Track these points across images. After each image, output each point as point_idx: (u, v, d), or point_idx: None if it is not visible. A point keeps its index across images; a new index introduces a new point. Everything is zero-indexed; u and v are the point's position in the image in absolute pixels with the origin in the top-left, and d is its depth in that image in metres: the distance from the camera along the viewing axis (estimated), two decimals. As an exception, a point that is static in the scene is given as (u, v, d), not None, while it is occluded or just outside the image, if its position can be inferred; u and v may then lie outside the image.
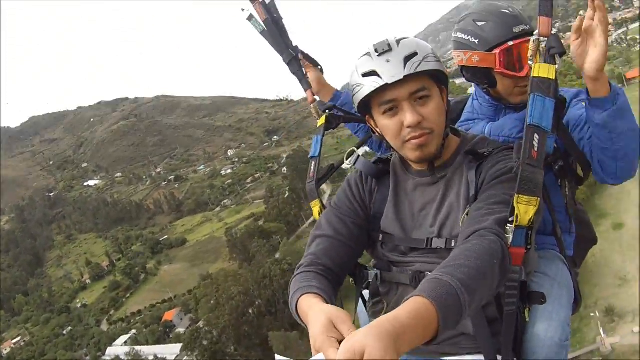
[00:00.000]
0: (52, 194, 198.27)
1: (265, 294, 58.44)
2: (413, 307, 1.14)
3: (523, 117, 1.91)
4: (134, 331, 79.93)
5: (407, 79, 1.61)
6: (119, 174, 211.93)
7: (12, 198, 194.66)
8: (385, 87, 1.63)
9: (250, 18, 2.56)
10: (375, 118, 1.75)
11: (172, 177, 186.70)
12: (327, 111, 2.38)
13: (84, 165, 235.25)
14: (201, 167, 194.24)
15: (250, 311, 58.19)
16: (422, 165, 1.81)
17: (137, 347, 68.47)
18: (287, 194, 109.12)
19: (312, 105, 2.49)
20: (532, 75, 1.66)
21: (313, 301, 1.42)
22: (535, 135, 1.58)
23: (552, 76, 1.64)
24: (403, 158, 1.86)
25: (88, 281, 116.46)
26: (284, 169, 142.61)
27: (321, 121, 2.36)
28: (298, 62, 2.54)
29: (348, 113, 2.47)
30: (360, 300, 2.01)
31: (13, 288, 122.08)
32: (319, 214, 2.10)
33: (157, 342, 72.88)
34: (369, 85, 1.64)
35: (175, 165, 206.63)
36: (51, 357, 76.30)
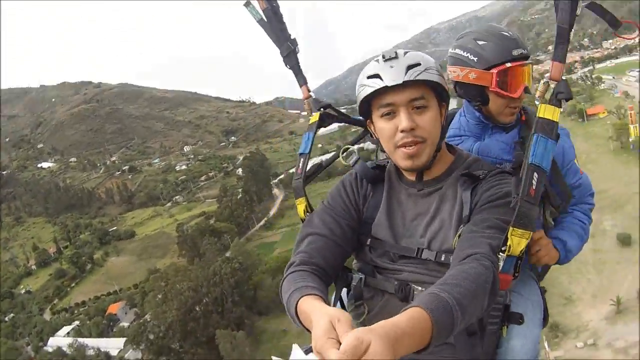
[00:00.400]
0: (4, 172, 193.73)
1: (214, 292, 58.54)
2: (412, 316, 1.23)
3: (510, 139, 2.25)
4: (77, 322, 78.89)
5: (407, 85, 1.69)
6: (73, 159, 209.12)
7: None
8: (385, 90, 1.72)
9: (248, 4, 2.45)
10: (374, 121, 1.83)
11: (127, 167, 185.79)
12: (322, 109, 2.33)
13: (40, 145, 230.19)
14: (156, 161, 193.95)
15: (198, 308, 57.75)
16: (412, 174, 1.89)
17: (80, 339, 67.57)
18: (240, 195, 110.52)
19: (306, 101, 2.40)
20: (537, 115, 1.79)
21: (314, 303, 1.40)
22: (535, 174, 1.69)
23: (556, 119, 1.78)
24: (397, 167, 1.91)
25: (34, 267, 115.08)
26: (239, 170, 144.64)
27: (314, 118, 2.30)
28: (295, 55, 2.40)
29: (342, 113, 2.44)
30: (339, 303, 2.02)
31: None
32: (304, 213, 2.08)
33: (100, 335, 72.50)
34: (371, 86, 1.74)
35: (131, 156, 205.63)
36: (-9, 344, 73.71)
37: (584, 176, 2.40)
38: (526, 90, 2.18)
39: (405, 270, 1.83)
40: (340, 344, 1.11)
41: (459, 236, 1.70)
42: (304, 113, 2.48)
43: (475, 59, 2.15)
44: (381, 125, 1.79)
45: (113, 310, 79.70)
